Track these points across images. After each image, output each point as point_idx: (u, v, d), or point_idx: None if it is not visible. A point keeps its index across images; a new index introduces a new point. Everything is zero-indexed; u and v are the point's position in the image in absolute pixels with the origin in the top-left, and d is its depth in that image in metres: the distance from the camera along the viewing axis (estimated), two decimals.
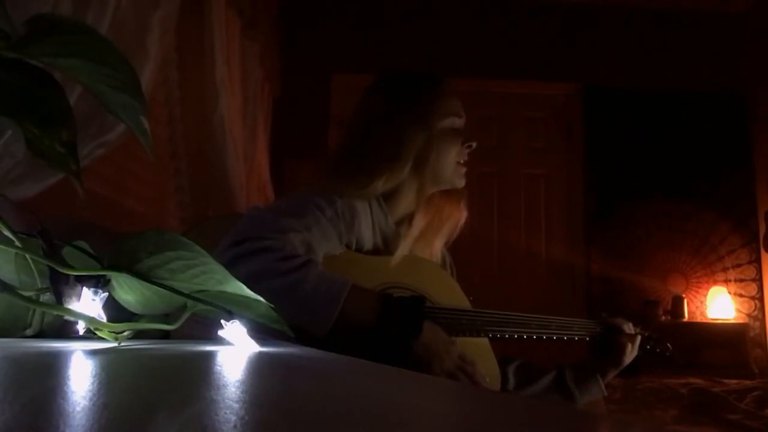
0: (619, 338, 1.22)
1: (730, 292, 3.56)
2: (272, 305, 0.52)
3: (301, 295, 0.90)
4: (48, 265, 0.47)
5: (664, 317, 3.41)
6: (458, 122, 1.17)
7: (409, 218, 1.16)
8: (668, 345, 1.33)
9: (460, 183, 1.19)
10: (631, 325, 1.24)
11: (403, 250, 1.10)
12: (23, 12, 0.41)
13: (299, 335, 0.64)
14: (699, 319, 3.52)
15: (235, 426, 0.23)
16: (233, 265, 0.90)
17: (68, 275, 0.46)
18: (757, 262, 3.61)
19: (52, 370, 0.38)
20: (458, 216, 1.21)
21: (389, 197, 1.15)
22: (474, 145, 1.18)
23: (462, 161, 1.18)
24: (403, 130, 1.11)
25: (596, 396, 1.24)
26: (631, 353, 1.22)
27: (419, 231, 1.15)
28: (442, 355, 0.95)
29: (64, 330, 0.53)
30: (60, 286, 0.46)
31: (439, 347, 0.96)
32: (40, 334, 0.54)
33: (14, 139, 0.99)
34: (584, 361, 1.28)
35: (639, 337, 1.24)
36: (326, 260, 1.03)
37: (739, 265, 3.63)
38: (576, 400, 1.21)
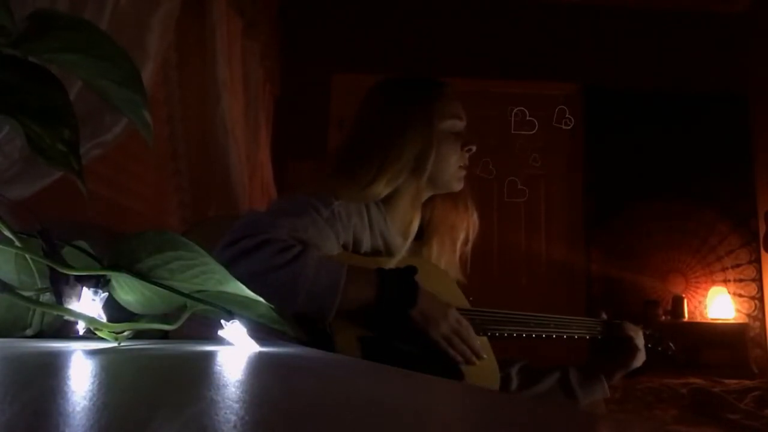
0: (627, 342, 1.21)
1: (729, 292, 3.56)
2: (276, 299, 0.52)
3: (301, 286, 0.91)
4: (48, 265, 0.47)
5: (664, 317, 3.41)
6: (459, 125, 1.17)
7: (409, 224, 1.17)
8: (670, 344, 1.32)
9: (458, 186, 1.19)
10: (639, 330, 1.24)
11: (402, 250, 1.11)
12: (20, 10, 0.41)
13: (303, 324, 0.64)
14: (699, 319, 3.52)
15: (235, 426, 0.23)
16: (232, 265, 0.91)
17: (68, 275, 0.46)
18: (757, 262, 3.61)
19: (52, 370, 0.38)
20: (466, 221, 1.23)
21: (387, 200, 1.15)
22: (474, 148, 1.18)
23: (462, 165, 1.18)
24: (404, 131, 1.11)
25: (599, 397, 1.23)
26: (639, 358, 1.22)
27: (418, 232, 1.15)
28: (438, 320, 0.99)
29: (64, 330, 0.53)
30: (60, 286, 0.46)
31: (435, 312, 0.99)
32: (40, 334, 0.54)
33: (9, 139, 0.99)
34: (589, 361, 1.28)
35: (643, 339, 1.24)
36: None
37: (738, 265, 3.62)
38: (579, 400, 1.21)
